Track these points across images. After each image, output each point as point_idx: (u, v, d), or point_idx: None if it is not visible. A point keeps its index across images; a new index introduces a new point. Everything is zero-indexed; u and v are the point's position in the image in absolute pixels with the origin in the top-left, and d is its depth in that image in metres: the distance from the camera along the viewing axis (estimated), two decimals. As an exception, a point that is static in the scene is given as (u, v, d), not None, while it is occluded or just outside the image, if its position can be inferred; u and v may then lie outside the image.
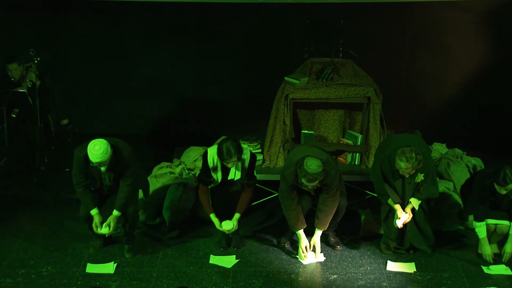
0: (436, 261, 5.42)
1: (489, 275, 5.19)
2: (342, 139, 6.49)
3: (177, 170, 6.31)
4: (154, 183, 6.14)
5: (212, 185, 5.51)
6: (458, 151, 6.52)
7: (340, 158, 6.43)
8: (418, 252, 5.51)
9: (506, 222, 5.32)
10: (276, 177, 6.21)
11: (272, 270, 5.30)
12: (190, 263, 5.41)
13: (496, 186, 5.10)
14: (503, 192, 5.10)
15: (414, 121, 7.70)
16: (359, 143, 6.37)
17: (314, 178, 5.07)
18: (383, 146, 5.55)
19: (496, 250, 5.45)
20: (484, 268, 5.28)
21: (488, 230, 5.37)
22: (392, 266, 5.34)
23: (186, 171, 6.31)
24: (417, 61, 7.89)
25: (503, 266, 5.26)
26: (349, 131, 6.53)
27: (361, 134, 6.38)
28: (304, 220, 5.41)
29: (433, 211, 5.86)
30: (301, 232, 5.42)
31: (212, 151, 5.39)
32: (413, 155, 5.08)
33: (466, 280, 5.13)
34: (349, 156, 6.44)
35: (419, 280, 5.15)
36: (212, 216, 5.52)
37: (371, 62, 7.32)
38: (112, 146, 5.15)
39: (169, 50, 7.87)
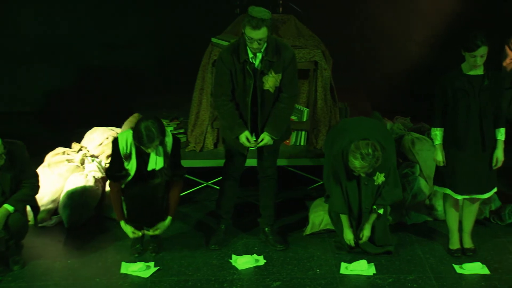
0: (399, 261, 5.58)
1: (462, 276, 5.38)
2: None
3: (77, 157, 6.24)
4: (48, 174, 6.06)
5: (127, 180, 5.44)
6: (424, 126, 6.71)
7: (287, 141, 6.48)
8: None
9: (484, 195, 5.50)
10: (204, 163, 6.25)
11: (199, 279, 5.34)
12: (96, 274, 5.37)
13: (467, 55, 5.21)
14: (478, 62, 5.19)
15: (371, 90, 7.84)
16: (304, 119, 6.45)
17: (260, 24, 5.07)
18: (335, 137, 5.60)
19: (471, 245, 5.66)
20: (456, 267, 5.47)
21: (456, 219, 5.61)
22: (347, 269, 5.47)
23: (89, 158, 6.24)
24: (375, 17, 8.02)
25: (478, 264, 5.46)
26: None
27: (307, 107, 6.47)
28: (243, 124, 5.43)
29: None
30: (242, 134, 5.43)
31: (125, 135, 5.34)
32: (369, 150, 5.14)
33: (435, 282, 5.31)
34: (293, 136, 6.51)
35: (379, 284, 5.29)
36: (123, 224, 5.48)
37: (319, 18, 7.40)
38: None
39: (64, 4, 7.70)
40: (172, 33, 7.83)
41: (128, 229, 5.49)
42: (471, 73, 5.29)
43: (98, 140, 6.47)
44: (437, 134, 5.44)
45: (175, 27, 7.80)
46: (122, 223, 5.49)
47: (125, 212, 5.51)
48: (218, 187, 5.93)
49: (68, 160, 6.19)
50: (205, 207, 6.42)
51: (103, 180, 6.17)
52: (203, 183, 6.45)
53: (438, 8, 8.06)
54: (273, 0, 7.23)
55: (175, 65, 7.72)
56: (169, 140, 5.36)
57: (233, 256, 5.59)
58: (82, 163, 6.22)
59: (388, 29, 8.08)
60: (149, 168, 5.34)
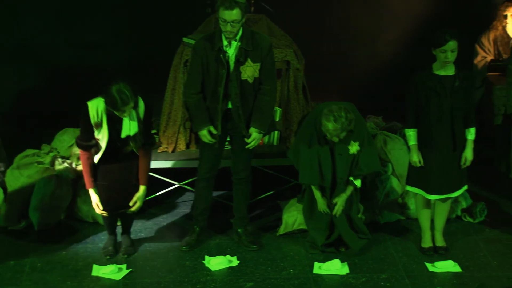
0: (372, 260, 5.63)
1: (434, 274, 5.45)
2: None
3: (47, 159, 6.21)
4: (17, 176, 6.02)
5: (100, 153, 5.34)
6: (397, 125, 6.77)
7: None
8: (351, 249, 5.70)
9: (455, 194, 5.59)
10: (176, 164, 6.25)
11: (173, 280, 5.34)
12: (67, 277, 5.34)
13: (437, 52, 5.28)
14: (449, 57, 5.26)
15: (344, 89, 7.90)
16: (277, 119, 6.47)
17: (233, 5, 5.13)
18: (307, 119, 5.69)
19: (443, 243, 5.73)
20: (429, 266, 5.54)
21: (428, 217, 5.68)
22: (320, 268, 5.51)
23: (60, 160, 6.21)
24: (347, 16, 8.06)
25: (450, 262, 5.54)
26: (266, 104, 6.62)
27: (279, 107, 6.49)
28: (207, 119, 5.44)
29: (368, 199, 6.08)
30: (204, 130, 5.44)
31: (95, 102, 5.26)
32: (342, 113, 5.26)
33: (408, 281, 5.36)
34: (265, 138, 6.53)
35: (353, 284, 5.34)
36: (92, 192, 5.42)
37: (290, 17, 7.42)
38: None
39: (31, 3, 7.65)
40: (143, 33, 7.81)
41: (96, 198, 5.42)
42: (442, 73, 5.36)
43: (68, 142, 6.43)
44: (411, 134, 5.49)
45: (146, 27, 7.78)
46: (91, 191, 5.41)
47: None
48: (191, 188, 5.94)
49: (37, 162, 6.14)
50: (178, 208, 6.42)
51: (73, 182, 6.14)
52: (175, 184, 6.45)
53: (409, 8, 8.13)
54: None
55: (147, 65, 7.70)
56: (141, 103, 5.32)
57: (206, 257, 5.60)
58: (52, 164, 6.18)
59: (360, 29, 8.13)
60: (123, 135, 5.29)
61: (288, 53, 6.31)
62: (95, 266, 5.45)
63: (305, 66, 6.51)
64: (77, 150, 6.24)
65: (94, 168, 5.42)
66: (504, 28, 7.52)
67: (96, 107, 5.25)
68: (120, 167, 5.40)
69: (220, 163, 5.72)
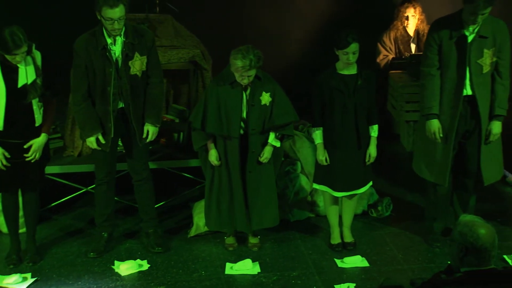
0: (283, 258, 5.67)
1: (343, 269, 5.54)
2: (165, 115, 6.52)
3: None
4: None
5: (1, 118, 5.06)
6: (305, 123, 6.84)
7: (164, 140, 6.45)
8: (263, 248, 5.74)
9: (361, 190, 5.68)
10: (83, 168, 6.13)
11: (80, 287, 5.23)
12: (-32, 289, 5.17)
13: (340, 53, 5.36)
14: (351, 59, 5.35)
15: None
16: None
17: (116, 3, 5.04)
18: None
19: (351, 239, 5.82)
20: (338, 262, 5.62)
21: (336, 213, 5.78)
22: (232, 269, 5.50)
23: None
24: (254, 15, 8.11)
25: (358, 257, 5.64)
26: (174, 105, 6.59)
27: (188, 108, 6.45)
28: (97, 126, 5.32)
29: (278, 198, 6.12)
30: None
31: None
32: (250, 50, 5.30)
33: (318, 277, 5.43)
34: (175, 136, 6.48)
35: (264, 283, 5.36)
36: None
37: (196, 17, 7.39)
38: None
39: None
40: (45, 35, 7.60)
41: None
42: (345, 72, 5.45)
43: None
44: (317, 133, 5.56)
45: (47, 29, 7.59)
46: None
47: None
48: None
49: None
50: (85, 213, 6.29)
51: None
52: (82, 189, 6.30)
53: (314, 8, 8.24)
54: (150, 0, 7.16)
55: (48, 67, 7.51)
56: (37, 52, 5.13)
57: (116, 262, 5.51)
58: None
59: (268, 29, 8.19)
60: (20, 83, 5.06)
61: (196, 54, 6.29)
62: (-2, 276, 5.29)
63: (213, 66, 6.50)
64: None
65: None
66: (404, 28, 7.72)
67: None
68: (19, 145, 5.17)
69: (116, 165, 5.61)
